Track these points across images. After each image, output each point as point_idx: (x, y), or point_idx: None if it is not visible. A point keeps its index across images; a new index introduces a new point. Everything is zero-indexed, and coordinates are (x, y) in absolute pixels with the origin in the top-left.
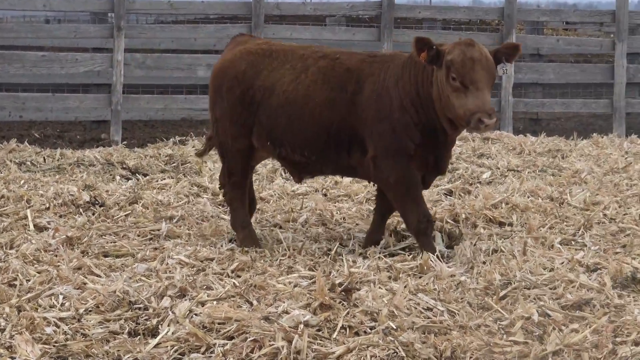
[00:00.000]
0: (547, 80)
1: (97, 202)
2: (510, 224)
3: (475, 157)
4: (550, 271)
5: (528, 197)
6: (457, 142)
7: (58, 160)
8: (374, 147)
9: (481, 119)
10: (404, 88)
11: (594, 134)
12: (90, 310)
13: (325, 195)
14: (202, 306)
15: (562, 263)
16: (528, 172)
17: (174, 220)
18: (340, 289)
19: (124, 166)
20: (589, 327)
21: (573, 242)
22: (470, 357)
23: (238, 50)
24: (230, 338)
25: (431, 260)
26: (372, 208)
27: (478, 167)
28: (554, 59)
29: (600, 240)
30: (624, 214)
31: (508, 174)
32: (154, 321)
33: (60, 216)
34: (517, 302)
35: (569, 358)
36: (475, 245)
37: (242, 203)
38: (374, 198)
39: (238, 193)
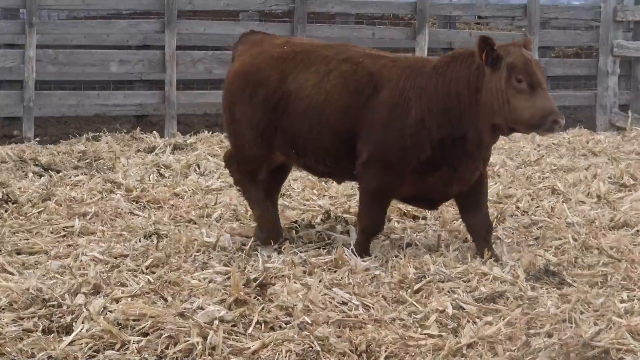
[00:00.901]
0: None
1: (9, 200)
2: (424, 218)
3: None
4: (464, 264)
5: None
6: None
7: None
8: (368, 154)
9: (556, 119)
10: (428, 102)
11: None
12: (3, 308)
13: (239, 190)
14: (117, 303)
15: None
16: None
17: (88, 217)
18: (255, 284)
19: (37, 163)
20: (503, 320)
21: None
22: (385, 351)
23: (259, 53)
24: (145, 334)
25: (346, 254)
26: (287, 202)
27: None
28: None
29: (513, 233)
30: (537, 207)
31: None
32: (68, 318)
33: None
34: (431, 295)
35: (483, 350)
36: (389, 238)
37: (264, 205)
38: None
39: (261, 195)
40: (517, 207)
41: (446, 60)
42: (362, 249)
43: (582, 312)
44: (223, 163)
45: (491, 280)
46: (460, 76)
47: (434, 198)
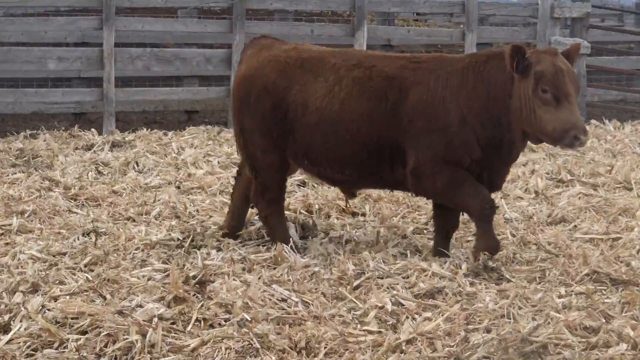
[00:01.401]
0: None
1: None
2: (363, 214)
3: None
4: (403, 260)
5: None
6: None
7: None
8: (416, 159)
9: (577, 135)
10: (468, 100)
11: None
12: None
13: (178, 187)
14: (55, 301)
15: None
16: None
17: (26, 215)
18: (194, 281)
19: None
20: (442, 315)
21: (425, 231)
22: (325, 347)
23: (265, 57)
24: (84, 333)
25: (285, 251)
26: (226, 200)
27: None
28: (405, 50)
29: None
30: None
31: None
32: (6, 317)
33: None
34: (370, 291)
35: (422, 346)
36: (329, 235)
37: (280, 219)
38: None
39: (275, 209)
40: None
41: (482, 59)
42: (490, 237)
43: (520, 308)
44: (253, 204)
45: (430, 276)
46: (497, 79)
47: None
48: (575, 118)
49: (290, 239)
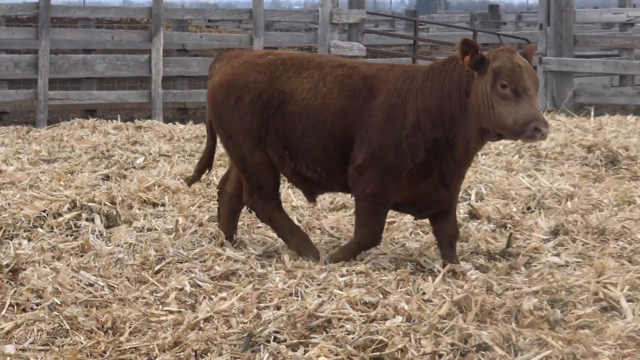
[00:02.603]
0: (193, 72)
1: None
2: (163, 205)
3: (130, 144)
4: (200, 246)
5: (178, 180)
6: (112, 131)
7: None
8: (363, 157)
9: (538, 127)
10: (423, 102)
11: None
12: None
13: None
14: None
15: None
16: (178, 157)
17: None
18: (7, 269)
19: None
20: (236, 295)
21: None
22: (130, 327)
23: (239, 63)
24: None
25: (92, 240)
26: (35, 193)
27: (132, 153)
28: (198, 54)
29: (244, 217)
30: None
31: (160, 159)
32: None
33: None
34: (170, 275)
35: (218, 324)
36: (131, 225)
37: (282, 214)
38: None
39: (273, 205)
40: None
41: (442, 61)
42: (346, 257)
43: (306, 287)
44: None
45: (225, 260)
46: (452, 77)
47: (424, 204)
48: (535, 110)
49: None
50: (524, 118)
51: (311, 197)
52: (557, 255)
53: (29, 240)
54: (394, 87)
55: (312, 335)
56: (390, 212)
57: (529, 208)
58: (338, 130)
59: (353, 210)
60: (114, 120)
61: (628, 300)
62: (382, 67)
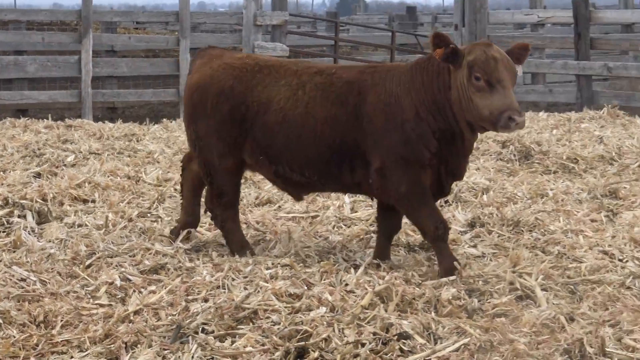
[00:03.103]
0: (122, 73)
1: None
2: (93, 201)
3: (60, 142)
4: (130, 241)
5: (108, 177)
6: (43, 130)
7: None
8: (380, 159)
9: (511, 116)
10: (418, 96)
11: (164, 119)
12: None
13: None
14: None
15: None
16: (107, 155)
17: None
18: None
19: None
20: (165, 288)
21: (149, 215)
22: (61, 320)
23: (218, 65)
24: None
25: (24, 236)
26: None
27: (63, 151)
28: (126, 55)
29: (172, 212)
30: None
31: (90, 156)
32: None
33: None
34: (101, 269)
35: (148, 316)
36: (62, 221)
37: (236, 223)
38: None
39: (231, 213)
40: (175, 189)
41: (426, 57)
42: (447, 256)
43: (233, 279)
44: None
45: (154, 254)
46: (439, 71)
47: (435, 195)
48: (509, 100)
49: (249, 245)
50: (498, 108)
51: (298, 197)
52: (474, 246)
53: None
54: (383, 89)
55: (239, 327)
56: (314, 207)
57: (446, 201)
58: (329, 137)
59: (277, 205)
60: (45, 120)
61: (542, 289)
62: (364, 71)
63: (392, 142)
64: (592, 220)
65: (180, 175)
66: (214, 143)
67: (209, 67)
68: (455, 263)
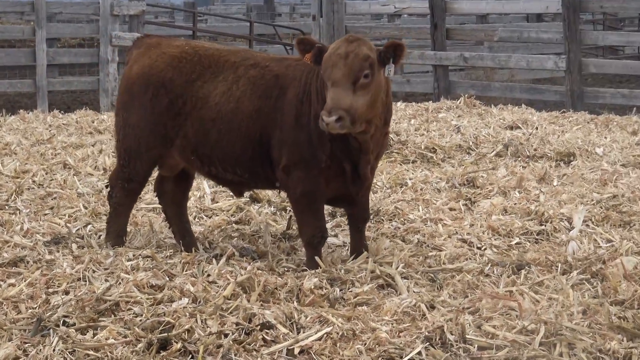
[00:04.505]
0: None
1: None
2: None
3: None
4: None
5: None
6: None
7: None
8: (287, 157)
9: (322, 117)
10: (317, 96)
11: (21, 110)
12: None
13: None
14: None
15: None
16: None
17: None
18: None
19: None
20: (25, 281)
21: (7, 207)
22: None
23: (158, 55)
24: None
25: None
26: None
27: None
28: None
29: (31, 204)
30: (51, 180)
31: None
32: None
33: None
34: None
35: (8, 309)
36: None
37: (127, 212)
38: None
39: (129, 200)
40: (34, 181)
41: None
42: (315, 264)
43: (94, 271)
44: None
45: (13, 247)
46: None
47: (351, 195)
48: (331, 100)
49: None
50: (325, 108)
51: (238, 194)
52: (335, 236)
53: None
54: (299, 83)
55: (100, 319)
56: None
57: None
58: (254, 132)
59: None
60: None
61: (403, 278)
62: (290, 64)
63: (298, 141)
64: (451, 209)
65: (159, 203)
66: (145, 134)
67: (148, 57)
68: (317, 268)
